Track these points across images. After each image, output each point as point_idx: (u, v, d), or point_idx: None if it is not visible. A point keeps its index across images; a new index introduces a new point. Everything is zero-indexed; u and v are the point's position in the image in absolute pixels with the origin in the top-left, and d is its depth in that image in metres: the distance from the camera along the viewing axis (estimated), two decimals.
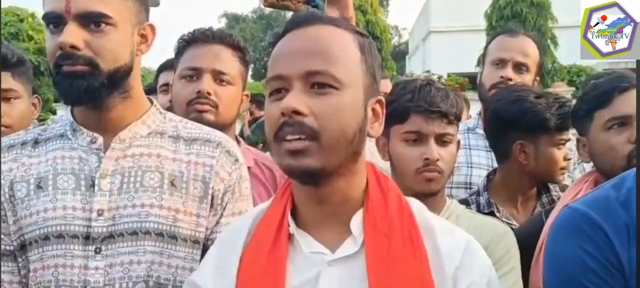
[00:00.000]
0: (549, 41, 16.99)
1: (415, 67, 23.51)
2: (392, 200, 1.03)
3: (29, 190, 1.24)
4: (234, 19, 38.16)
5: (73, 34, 1.17)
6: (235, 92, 1.77)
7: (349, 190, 1.01)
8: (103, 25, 1.19)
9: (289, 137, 0.94)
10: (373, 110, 1.02)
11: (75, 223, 1.21)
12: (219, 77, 1.72)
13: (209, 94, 1.69)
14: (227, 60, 1.74)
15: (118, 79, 1.23)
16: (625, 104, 1.53)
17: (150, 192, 1.24)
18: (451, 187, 2.14)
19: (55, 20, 1.20)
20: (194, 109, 1.69)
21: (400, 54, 32.26)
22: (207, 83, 1.69)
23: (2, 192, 1.24)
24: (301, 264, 1.00)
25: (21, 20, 17.67)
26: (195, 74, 1.72)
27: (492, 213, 1.78)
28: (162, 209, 1.24)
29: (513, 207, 1.86)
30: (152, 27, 1.32)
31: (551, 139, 1.78)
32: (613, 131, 1.55)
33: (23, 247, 1.23)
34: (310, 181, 0.98)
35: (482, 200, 1.85)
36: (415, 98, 1.48)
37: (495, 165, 1.99)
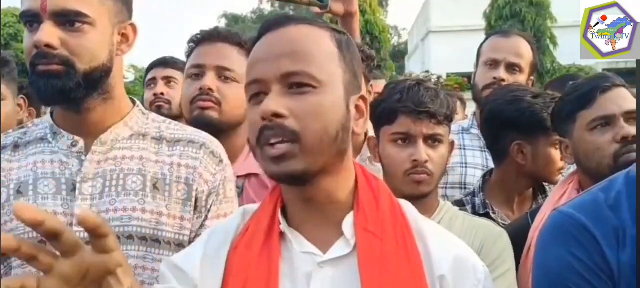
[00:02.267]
0: (548, 41, 17.00)
1: (414, 68, 23.50)
2: (384, 201, 1.01)
3: (8, 195, 1.21)
4: (233, 20, 38.17)
5: (48, 33, 1.14)
6: (243, 90, 1.71)
7: (335, 189, 0.99)
8: (80, 24, 1.17)
9: (272, 141, 0.93)
10: (356, 107, 1.00)
11: None
12: (223, 74, 1.67)
13: (211, 90, 1.64)
14: (231, 57, 1.69)
15: (95, 79, 1.20)
16: (608, 103, 1.52)
17: (132, 195, 1.21)
18: (446, 187, 2.14)
19: (32, 19, 1.17)
20: (196, 106, 1.65)
21: (399, 54, 32.25)
22: (209, 79, 1.65)
23: None
24: (292, 263, 0.98)
25: (20, 22, 17.63)
26: (199, 72, 1.68)
27: (487, 215, 1.76)
28: (145, 213, 1.21)
29: (509, 208, 1.85)
30: (133, 26, 1.29)
31: (549, 139, 1.77)
32: (597, 131, 1.53)
33: (4, 253, 1.20)
34: (296, 183, 0.97)
35: (478, 201, 1.84)
36: (404, 98, 1.46)
37: (490, 165, 1.96)
